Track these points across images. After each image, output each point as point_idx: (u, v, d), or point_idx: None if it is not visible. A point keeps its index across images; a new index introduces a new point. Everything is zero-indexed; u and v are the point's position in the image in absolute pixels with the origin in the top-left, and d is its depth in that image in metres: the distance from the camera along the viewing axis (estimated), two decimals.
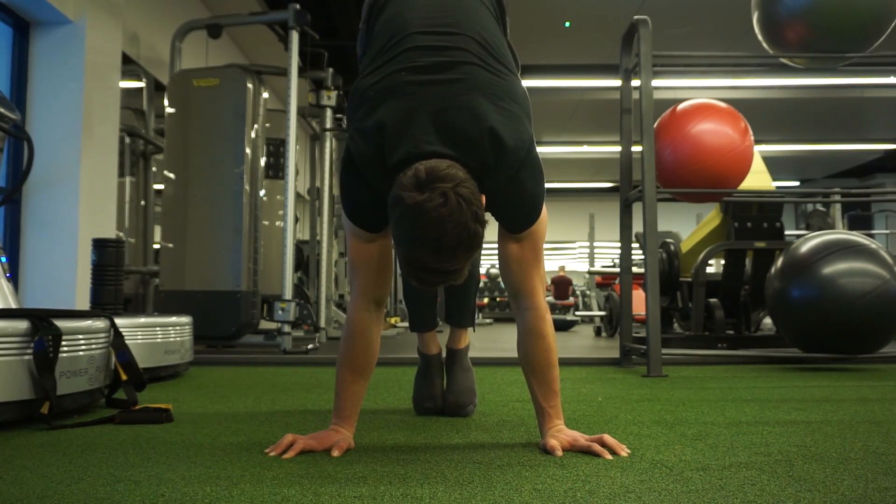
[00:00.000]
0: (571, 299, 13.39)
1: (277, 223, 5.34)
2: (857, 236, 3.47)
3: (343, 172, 1.47)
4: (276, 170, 5.29)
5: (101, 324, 2.05)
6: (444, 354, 2.06)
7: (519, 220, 1.47)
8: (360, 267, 1.52)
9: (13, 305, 2.24)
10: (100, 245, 2.93)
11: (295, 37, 4.52)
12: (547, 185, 1.50)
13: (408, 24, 1.47)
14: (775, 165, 7.45)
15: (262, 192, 4.56)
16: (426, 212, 1.23)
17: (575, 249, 18.67)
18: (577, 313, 9.78)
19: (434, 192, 1.23)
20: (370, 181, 1.42)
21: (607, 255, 15.18)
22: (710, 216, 5.18)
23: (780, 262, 3.60)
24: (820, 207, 7.98)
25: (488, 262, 16.16)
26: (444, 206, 1.23)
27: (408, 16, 1.49)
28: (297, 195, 6.60)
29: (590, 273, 9.56)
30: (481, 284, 14.31)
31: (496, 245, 1.52)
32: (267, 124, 4.71)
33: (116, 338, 2.10)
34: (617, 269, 6.02)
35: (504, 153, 1.36)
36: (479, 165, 1.35)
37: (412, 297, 2.03)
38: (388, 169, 1.35)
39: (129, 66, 5.35)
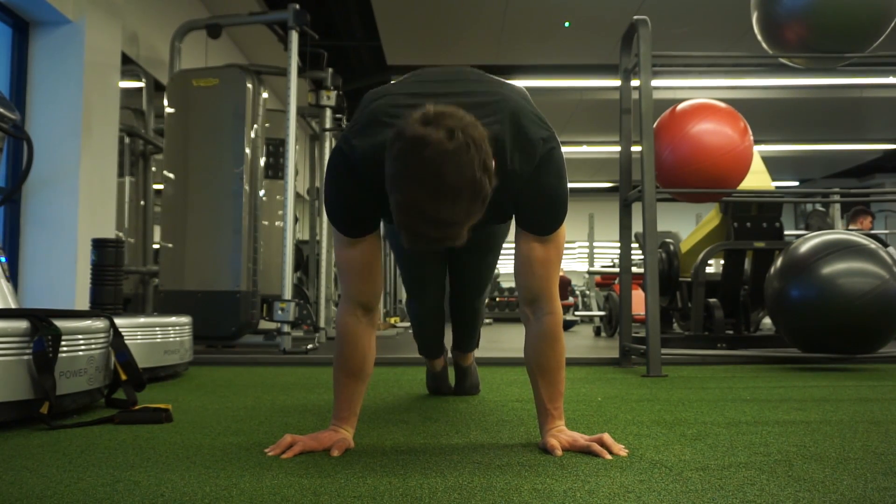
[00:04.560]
0: (571, 299, 13.39)
1: (277, 223, 5.34)
2: (856, 236, 3.47)
3: (330, 172, 1.44)
4: (275, 170, 5.29)
5: (100, 324, 2.05)
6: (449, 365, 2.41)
7: (549, 221, 1.45)
8: (344, 271, 1.51)
9: (13, 305, 2.24)
10: (99, 245, 2.93)
11: (294, 37, 4.52)
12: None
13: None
14: (775, 165, 7.47)
15: (261, 193, 4.56)
16: (428, 145, 1.12)
17: (575, 249, 18.67)
18: (576, 313, 9.77)
19: (440, 126, 1.13)
20: (363, 175, 1.37)
21: (607, 255, 15.18)
22: (710, 216, 5.18)
23: (779, 262, 3.60)
24: (819, 207, 7.98)
25: None
26: (450, 140, 1.12)
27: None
28: (297, 195, 6.61)
29: (589, 273, 9.56)
30: None
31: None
32: (267, 124, 4.71)
33: (116, 338, 2.10)
34: (616, 269, 6.02)
35: (522, 128, 1.37)
36: (495, 136, 1.28)
37: (420, 331, 2.21)
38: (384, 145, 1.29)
39: (129, 66, 5.35)
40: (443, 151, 1.12)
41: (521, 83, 1.56)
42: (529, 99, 1.48)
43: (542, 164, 1.39)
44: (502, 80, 1.51)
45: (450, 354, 2.37)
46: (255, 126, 4.50)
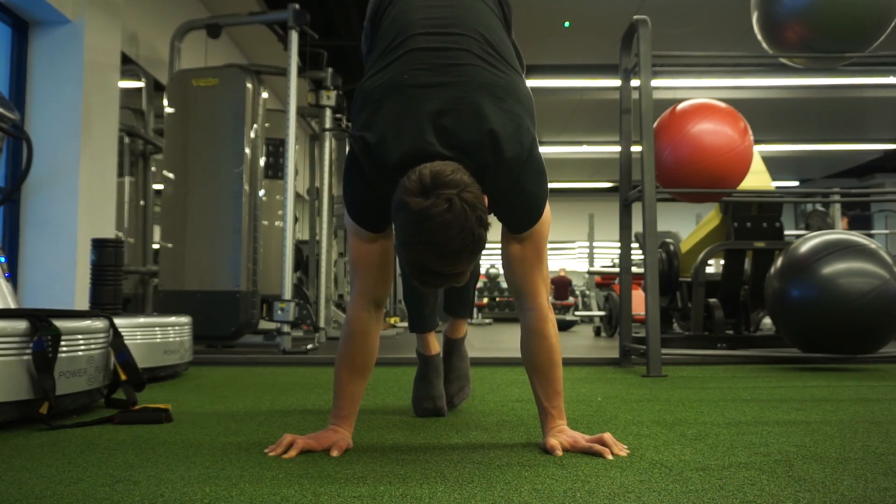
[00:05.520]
0: (571, 299, 13.40)
1: (277, 223, 5.34)
2: (856, 236, 3.46)
3: (347, 172, 1.47)
4: (275, 170, 5.29)
5: (100, 324, 2.05)
6: (441, 351, 2.08)
7: (521, 221, 1.47)
8: (360, 267, 1.52)
9: (12, 305, 2.24)
10: (99, 245, 2.93)
11: (294, 37, 4.52)
12: (547, 185, 1.49)
13: (410, 24, 1.49)
14: (775, 165, 7.46)
15: (261, 192, 4.56)
16: (431, 217, 1.23)
17: (575, 249, 18.67)
18: (576, 313, 9.77)
19: (439, 197, 1.23)
20: (373, 181, 1.42)
21: (607, 255, 15.18)
22: (710, 216, 5.18)
23: (779, 262, 3.59)
24: (820, 207, 7.98)
25: (488, 262, 16.17)
26: (449, 211, 1.23)
27: (411, 16, 1.51)
28: (297, 195, 6.61)
29: (589, 273, 9.56)
30: (480, 285, 14.40)
31: (497, 244, 1.52)
32: (266, 124, 4.71)
33: (115, 338, 2.10)
34: (616, 269, 6.02)
35: (504, 156, 1.36)
36: (479, 167, 1.35)
37: (413, 298, 2.03)
38: (390, 168, 1.35)
39: (129, 66, 5.35)
40: (445, 222, 1.23)
41: None
42: (516, 97, 1.43)
43: (520, 170, 1.41)
44: (494, 64, 1.44)
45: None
46: (255, 126, 4.50)
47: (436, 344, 2.05)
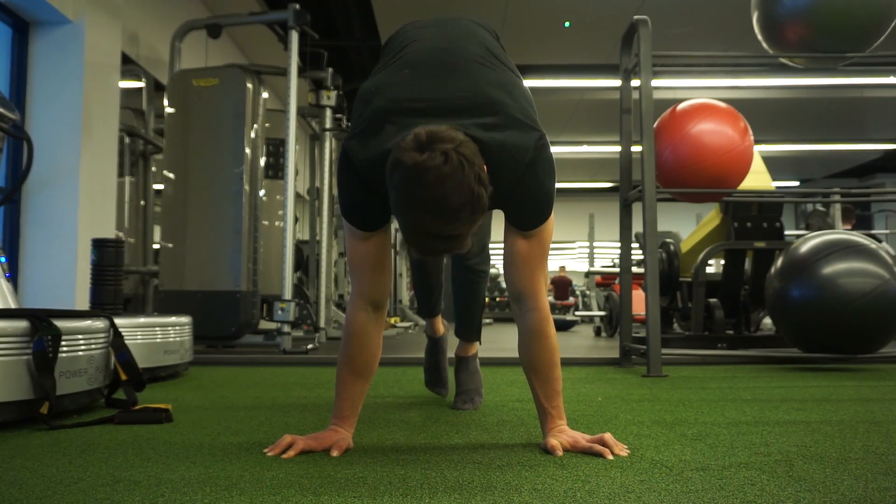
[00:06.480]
0: (571, 299, 13.38)
1: (277, 223, 5.35)
2: (857, 236, 3.46)
3: (340, 171, 1.47)
4: (275, 170, 5.29)
5: (100, 324, 2.05)
6: (448, 344, 2.31)
7: (531, 217, 1.46)
8: (357, 267, 1.51)
9: (12, 305, 2.24)
10: (99, 245, 2.93)
11: (294, 37, 4.52)
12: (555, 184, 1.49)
13: (413, 40, 1.55)
14: (775, 165, 7.47)
15: (261, 192, 4.56)
16: (426, 171, 1.18)
17: (575, 249, 18.68)
18: (577, 313, 9.77)
19: (435, 150, 1.19)
20: (366, 178, 1.41)
21: (607, 255, 15.18)
22: (710, 216, 5.18)
23: (779, 262, 3.59)
24: (820, 207, 7.98)
25: None
26: (446, 164, 1.19)
27: (413, 34, 1.58)
28: (297, 195, 6.61)
29: (590, 273, 9.56)
30: None
31: (497, 244, 1.52)
32: (267, 124, 4.71)
33: (116, 338, 2.10)
34: (617, 269, 6.02)
35: (512, 134, 1.36)
36: (486, 143, 1.31)
37: (420, 287, 2.23)
38: (383, 162, 1.33)
39: (129, 66, 5.35)
40: (441, 175, 1.19)
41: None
42: (522, 93, 1.46)
43: (529, 164, 1.39)
44: (496, 65, 1.48)
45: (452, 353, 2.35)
46: (255, 126, 4.50)
47: (440, 327, 2.31)
